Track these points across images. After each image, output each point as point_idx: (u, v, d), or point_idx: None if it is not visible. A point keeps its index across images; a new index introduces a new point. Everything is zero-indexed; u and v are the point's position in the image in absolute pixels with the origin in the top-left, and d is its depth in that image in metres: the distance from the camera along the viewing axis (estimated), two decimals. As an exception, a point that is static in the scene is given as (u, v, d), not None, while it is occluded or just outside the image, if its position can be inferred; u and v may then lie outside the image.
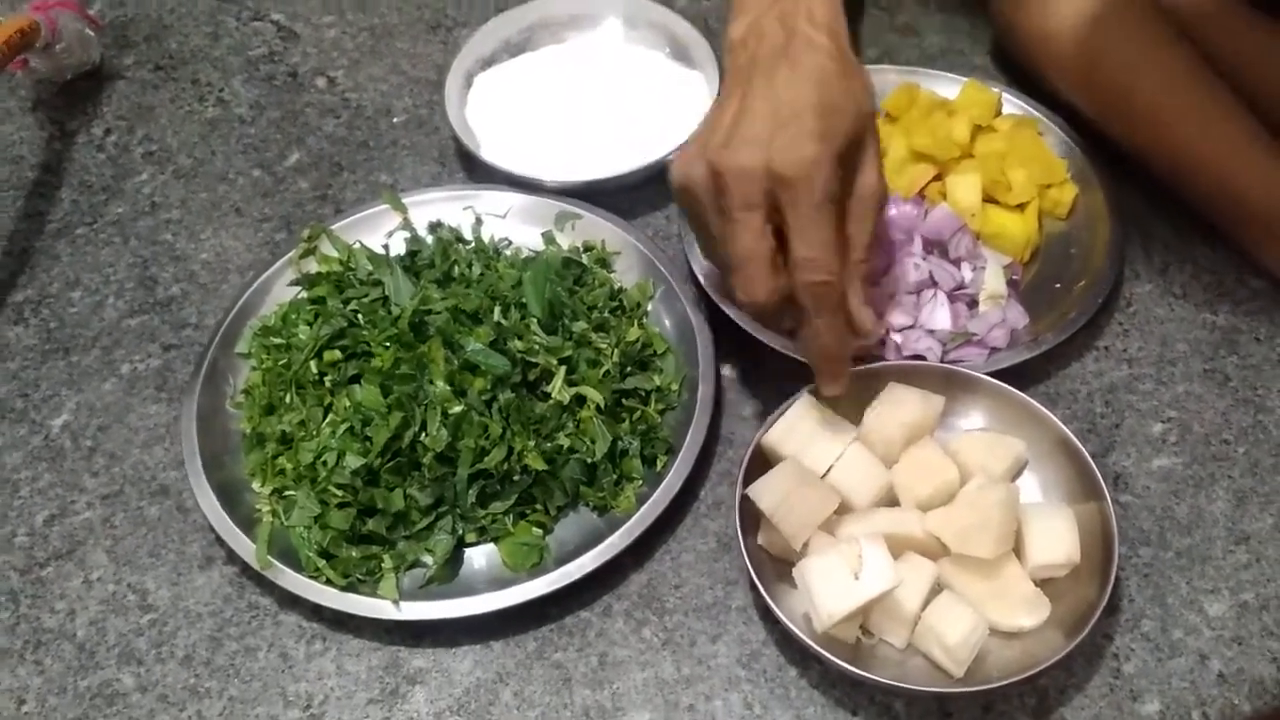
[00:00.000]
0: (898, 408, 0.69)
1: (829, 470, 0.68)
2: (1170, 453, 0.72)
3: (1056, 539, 0.64)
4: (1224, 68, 0.79)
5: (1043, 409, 0.69)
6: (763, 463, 0.68)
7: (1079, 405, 0.75)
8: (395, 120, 0.94)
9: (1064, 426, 0.67)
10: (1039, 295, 0.78)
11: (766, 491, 0.66)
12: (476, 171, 0.89)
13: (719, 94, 0.70)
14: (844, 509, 0.67)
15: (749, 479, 0.66)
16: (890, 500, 0.69)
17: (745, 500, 0.66)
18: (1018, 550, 0.65)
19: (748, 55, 0.67)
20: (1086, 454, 0.66)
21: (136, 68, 0.99)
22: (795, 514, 0.64)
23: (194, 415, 0.73)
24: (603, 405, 0.71)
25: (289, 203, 0.89)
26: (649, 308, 0.78)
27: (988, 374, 0.71)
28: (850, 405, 0.70)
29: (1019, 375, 0.72)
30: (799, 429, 0.69)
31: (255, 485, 0.72)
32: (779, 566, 0.67)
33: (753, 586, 0.66)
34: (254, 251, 0.86)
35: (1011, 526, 0.64)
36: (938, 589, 0.64)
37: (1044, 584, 0.65)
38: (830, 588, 0.61)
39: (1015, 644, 0.64)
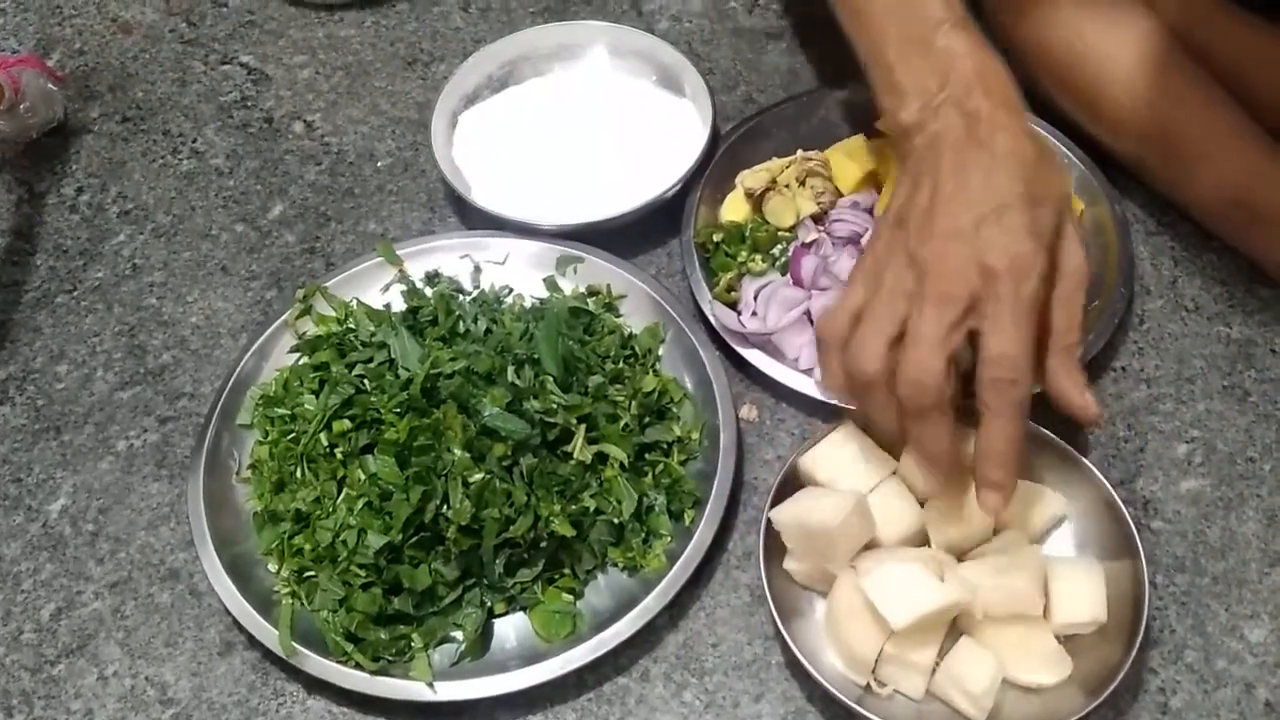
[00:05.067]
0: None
1: None
2: (1197, 474, 0.72)
3: (1084, 597, 0.63)
4: (1221, 73, 0.79)
5: (1085, 461, 0.67)
6: (795, 487, 0.67)
7: (1102, 429, 0.74)
8: (379, 165, 0.91)
9: (1106, 483, 0.66)
10: (1053, 316, 0.77)
11: (790, 514, 0.65)
12: (469, 216, 0.86)
13: (900, 179, 0.67)
14: (871, 544, 0.66)
15: (777, 503, 0.66)
16: (920, 541, 0.67)
17: (769, 528, 0.65)
18: (1044, 605, 0.64)
19: (926, 138, 0.65)
20: (1126, 513, 0.65)
21: (103, 120, 0.95)
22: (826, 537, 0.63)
23: (200, 495, 0.71)
24: (626, 462, 0.69)
25: (276, 258, 0.86)
26: (660, 352, 0.77)
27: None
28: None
29: (1040, 400, 0.71)
30: (837, 456, 0.68)
31: (271, 566, 0.69)
32: (809, 596, 0.67)
33: (777, 634, 0.65)
34: (245, 312, 0.83)
35: (1038, 596, 0.63)
36: (955, 634, 0.64)
37: (1068, 639, 0.64)
38: (902, 590, 0.61)
39: (1034, 698, 0.63)
